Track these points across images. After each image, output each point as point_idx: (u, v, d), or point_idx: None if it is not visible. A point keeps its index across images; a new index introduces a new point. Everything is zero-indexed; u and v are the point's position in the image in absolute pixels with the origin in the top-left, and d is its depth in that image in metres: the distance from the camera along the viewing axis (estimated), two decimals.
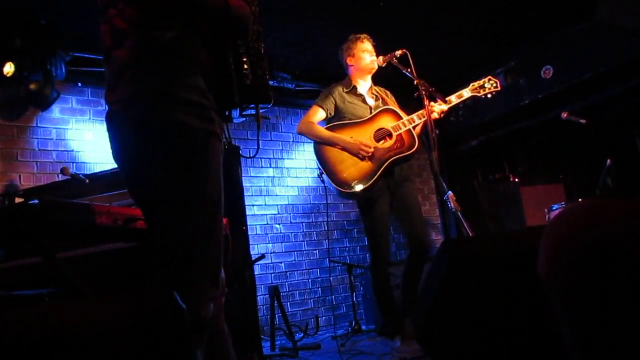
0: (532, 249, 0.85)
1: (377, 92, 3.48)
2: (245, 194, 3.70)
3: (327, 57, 4.53)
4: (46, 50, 3.70)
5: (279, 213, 5.12)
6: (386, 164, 3.16)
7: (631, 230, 0.72)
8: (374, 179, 3.12)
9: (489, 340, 1.14)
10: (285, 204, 5.18)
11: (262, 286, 4.65)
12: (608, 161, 3.88)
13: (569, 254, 0.75)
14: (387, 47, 3.33)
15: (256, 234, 4.87)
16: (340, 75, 3.56)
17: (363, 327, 4.44)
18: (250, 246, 3.66)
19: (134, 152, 1.45)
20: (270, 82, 3.14)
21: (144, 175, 1.45)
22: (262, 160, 5.15)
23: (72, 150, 4.17)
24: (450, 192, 2.97)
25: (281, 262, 5.00)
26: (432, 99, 3.14)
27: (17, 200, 3.01)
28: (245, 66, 1.63)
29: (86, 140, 4.25)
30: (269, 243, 4.96)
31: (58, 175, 3.89)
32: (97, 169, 4.00)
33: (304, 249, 5.17)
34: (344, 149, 3.22)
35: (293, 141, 5.41)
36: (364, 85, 3.46)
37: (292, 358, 3.65)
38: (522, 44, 5.09)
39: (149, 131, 1.42)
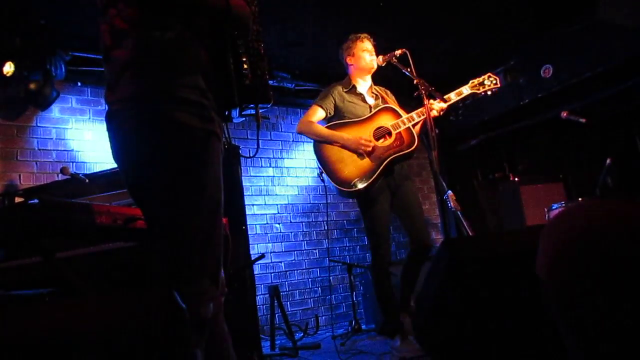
0: (532, 248, 0.85)
1: (377, 91, 3.49)
2: (245, 194, 3.70)
3: (327, 56, 4.53)
4: (46, 50, 3.69)
5: (278, 213, 5.12)
6: (386, 162, 3.16)
7: (630, 232, 0.72)
8: (374, 177, 3.12)
9: (489, 339, 1.14)
10: (285, 204, 5.18)
11: (262, 286, 4.66)
12: (608, 160, 3.88)
13: (568, 256, 0.75)
14: (387, 46, 3.34)
15: (256, 233, 4.87)
16: (340, 74, 3.56)
17: (363, 327, 4.44)
18: (250, 246, 3.66)
19: (134, 152, 1.45)
20: (270, 82, 3.14)
21: (144, 175, 1.45)
22: (262, 159, 5.16)
23: (72, 150, 4.17)
24: (450, 191, 2.97)
25: (281, 262, 5.00)
26: (432, 98, 3.15)
27: (17, 199, 3.01)
28: (245, 66, 1.63)
29: (86, 139, 4.25)
30: (268, 243, 4.96)
31: (58, 175, 3.89)
32: (97, 168, 4.00)
33: (303, 249, 5.17)
34: (343, 146, 3.22)
35: (293, 141, 5.41)
36: (363, 84, 3.46)
37: (292, 358, 3.65)
38: (522, 43, 5.09)
39: (149, 131, 1.42)
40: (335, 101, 3.38)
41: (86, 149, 4.22)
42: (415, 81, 3.08)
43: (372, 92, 3.47)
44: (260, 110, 1.71)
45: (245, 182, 4.64)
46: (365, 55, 3.38)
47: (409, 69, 3.11)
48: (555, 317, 0.79)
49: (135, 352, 0.97)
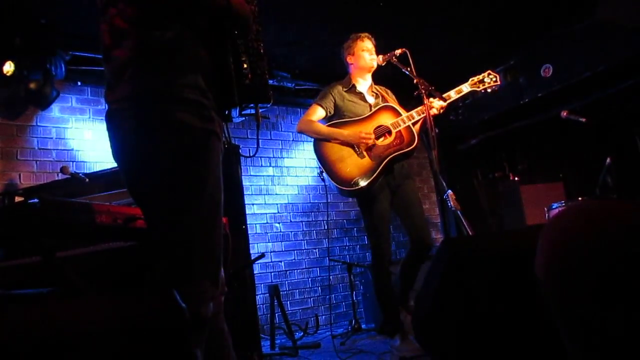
0: (531, 248, 0.85)
1: (377, 91, 3.49)
2: (245, 193, 3.70)
3: (327, 56, 4.53)
4: (46, 50, 3.69)
5: (278, 212, 5.12)
6: (386, 160, 3.16)
7: (628, 232, 0.72)
8: (374, 176, 3.12)
9: (489, 338, 1.14)
10: (285, 203, 5.18)
11: (262, 285, 4.66)
12: (608, 160, 3.88)
13: (566, 257, 0.75)
14: (387, 46, 3.34)
15: (256, 233, 4.87)
16: (340, 74, 3.57)
17: (363, 326, 4.44)
18: (250, 245, 3.66)
19: (134, 151, 1.45)
20: (270, 81, 3.14)
21: (144, 174, 1.45)
22: (262, 159, 5.16)
23: (72, 149, 4.17)
24: (450, 190, 2.97)
25: (281, 261, 5.01)
26: (432, 97, 3.15)
27: (17, 199, 3.02)
28: (245, 65, 1.63)
29: (86, 139, 4.25)
30: (268, 242, 4.96)
31: (58, 174, 3.89)
32: (97, 167, 4.00)
33: (303, 248, 5.18)
34: (344, 142, 3.22)
35: (293, 140, 5.41)
36: (363, 83, 3.46)
37: (292, 357, 3.65)
38: (522, 42, 5.08)
39: (149, 130, 1.42)
40: (335, 100, 3.38)
41: (86, 149, 4.22)
42: (415, 80, 3.08)
43: (372, 91, 3.47)
44: (260, 110, 1.71)
45: (245, 182, 4.64)
46: (365, 55, 3.38)
47: (408, 69, 3.12)
48: (554, 317, 0.79)
49: (135, 351, 0.97)
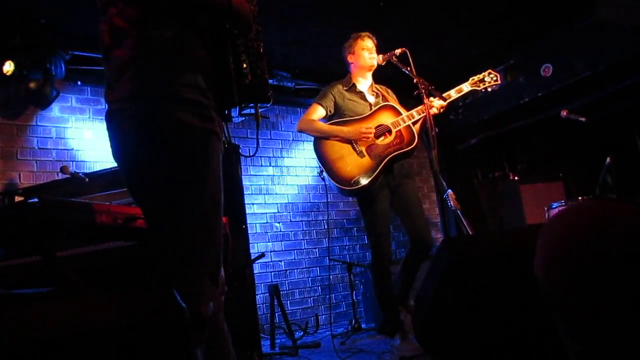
0: (531, 247, 0.85)
1: (378, 90, 3.49)
2: (245, 193, 3.70)
3: (327, 55, 4.54)
4: (46, 49, 3.69)
5: (278, 212, 5.12)
6: (386, 160, 3.16)
7: (629, 232, 0.72)
8: (374, 175, 3.12)
9: (488, 338, 1.14)
10: (285, 203, 5.18)
11: (262, 285, 4.66)
12: (608, 159, 3.88)
13: (565, 257, 0.75)
14: (387, 45, 3.34)
15: (256, 232, 4.87)
16: (340, 73, 3.57)
17: (363, 326, 4.44)
18: (250, 245, 3.66)
19: (134, 151, 1.45)
20: (270, 81, 3.13)
21: (144, 174, 1.45)
22: (262, 159, 5.15)
23: (72, 149, 4.17)
24: (450, 190, 2.97)
25: (281, 261, 5.01)
26: (432, 96, 3.15)
27: (17, 198, 3.02)
28: (245, 65, 1.62)
29: (86, 138, 4.25)
30: (268, 242, 4.96)
31: (58, 174, 3.89)
32: (97, 167, 4.00)
33: (303, 248, 5.18)
34: (344, 140, 3.23)
35: (293, 140, 5.41)
36: (364, 82, 3.46)
37: (292, 357, 3.65)
38: (522, 42, 5.08)
39: (149, 130, 1.42)
40: (335, 99, 3.38)
41: (86, 148, 4.22)
42: (415, 80, 3.08)
43: (373, 91, 3.47)
44: (260, 110, 1.71)
45: (245, 181, 4.64)
46: (365, 54, 3.38)
47: (408, 68, 3.12)
48: (554, 317, 0.79)
49: (135, 351, 0.98)
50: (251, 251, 3.69)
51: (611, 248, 0.71)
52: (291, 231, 5.15)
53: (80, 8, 3.47)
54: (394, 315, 3.23)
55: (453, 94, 3.27)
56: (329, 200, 5.25)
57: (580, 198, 3.94)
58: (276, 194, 5.15)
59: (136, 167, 1.47)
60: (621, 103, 5.00)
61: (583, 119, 3.90)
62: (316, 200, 5.34)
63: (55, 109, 4.13)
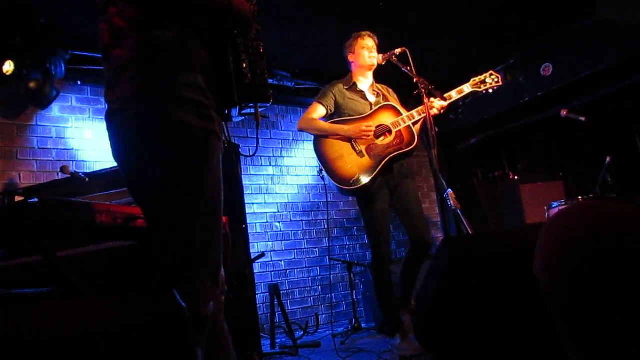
0: (532, 246, 0.85)
1: (379, 89, 3.49)
2: (245, 193, 3.70)
3: (327, 55, 4.54)
4: (46, 49, 3.69)
5: (278, 211, 5.12)
6: (385, 160, 3.16)
7: (629, 232, 0.72)
8: (374, 175, 3.12)
9: (489, 337, 1.14)
10: (285, 202, 5.18)
11: (262, 284, 4.66)
12: (608, 158, 3.88)
13: (566, 256, 0.75)
14: (387, 45, 3.34)
15: (256, 232, 4.87)
16: (340, 73, 3.57)
17: (363, 325, 4.44)
18: (250, 244, 3.66)
19: (134, 151, 1.45)
20: (270, 81, 3.14)
21: (144, 174, 1.45)
22: (262, 158, 5.16)
23: (72, 149, 4.17)
24: (450, 189, 2.97)
25: (281, 261, 5.01)
26: (432, 96, 3.15)
27: (17, 198, 3.02)
28: (245, 65, 1.62)
29: (86, 138, 4.25)
30: (268, 241, 4.96)
31: (58, 174, 3.89)
32: (97, 167, 4.00)
33: (303, 247, 5.18)
34: (344, 138, 3.22)
35: (293, 139, 5.41)
36: (364, 82, 3.46)
37: (293, 356, 3.65)
38: (522, 41, 5.08)
39: (149, 130, 1.42)
40: (335, 98, 3.38)
41: (86, 148, 4.22)
42: (415, 80, 3.08)
43: (374, 90, 3.47)
44: (260, 109, 1.71)
45: (245, 181, 4.64)
46: (365, 53, 3.37)
47: (408, 68, 3.12)
48: (553, 317, 0.79)
49: (135, 351, 0.98)
50: (251, 251, 3.69)
51: (611, 248, 0.71)
52: (291, 231, 5.15)
53: (80, 8, 3.48)
54: (394, 314, 3.23)
55: (454, 94, 3.27)
56: (329, 199, 5.25)
57: (580, 197, 3.94)
58: (276, 193, 5.15)
59: (136, 167, 1.47)
60: (621, 102, 5.00)
61: (583, 119, 3.90)
62: (316, 200, 5.34)
63: (55, 109, 4.13)
